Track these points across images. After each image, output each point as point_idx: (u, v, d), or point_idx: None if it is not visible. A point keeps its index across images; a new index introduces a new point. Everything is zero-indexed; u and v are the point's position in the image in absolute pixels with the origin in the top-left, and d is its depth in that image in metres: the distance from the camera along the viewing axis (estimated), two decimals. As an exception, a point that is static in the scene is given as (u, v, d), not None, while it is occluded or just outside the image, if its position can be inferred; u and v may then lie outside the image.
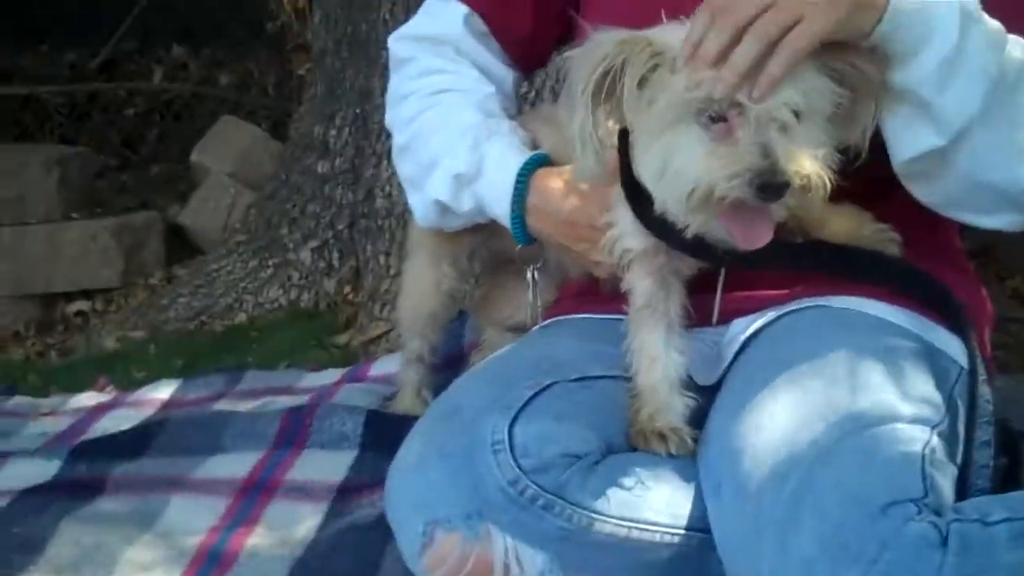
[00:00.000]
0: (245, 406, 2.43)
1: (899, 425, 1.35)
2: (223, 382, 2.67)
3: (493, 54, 1.91)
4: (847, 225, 1.61)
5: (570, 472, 1.44)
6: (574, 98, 1.40)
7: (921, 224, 1.63)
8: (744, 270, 1.62)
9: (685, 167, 1.36)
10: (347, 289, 3.25)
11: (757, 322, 1.62)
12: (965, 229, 1.74)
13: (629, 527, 1.45)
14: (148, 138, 5.59)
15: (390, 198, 2.96)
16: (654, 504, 1.47)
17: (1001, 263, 3.25)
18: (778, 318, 1.61)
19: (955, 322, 1.53)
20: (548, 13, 1.88)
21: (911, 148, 1.49)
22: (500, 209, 1.75)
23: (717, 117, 1.35)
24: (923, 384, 1.45)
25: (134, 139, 5.63)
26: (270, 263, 3.40)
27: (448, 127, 1.81)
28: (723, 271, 1.66)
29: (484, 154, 1.75)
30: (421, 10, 1.96)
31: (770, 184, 1.31)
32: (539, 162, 1.73)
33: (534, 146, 1.80)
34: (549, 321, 1.87)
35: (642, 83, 1.39)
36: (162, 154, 5.41)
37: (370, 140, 3.11)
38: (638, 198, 1.52)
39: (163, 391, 2.67)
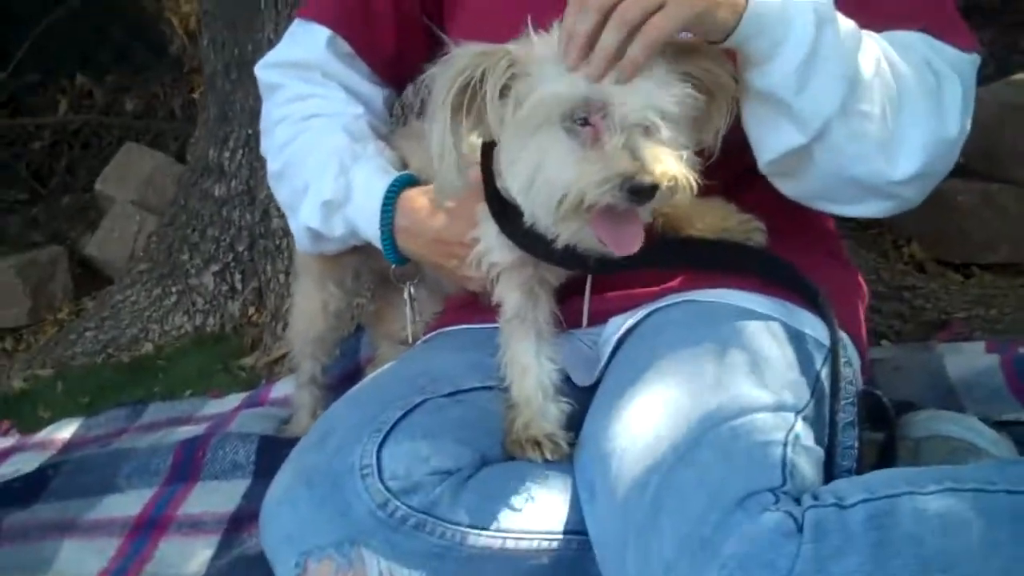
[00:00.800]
0: (145, 440, 2.40)
1: (759, 415, 1.36)
2: (125, 417, 2.64)
3: (360, 74, 1.90)
4: (713, 219, 1.62)
5: (441, 489, 1.44)
6: (434, 113, 1.39)
7: (788, 211, 1.64)
8: (613, 274, 1.62)
9: (554, 175, 1.35)
10: (251, 311, 3.22)
11: (628, 321, 1.63)
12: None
13: (504, 537, 1.44)
14: (56, 170, 5.51)
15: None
16: (530, 512, 1.47)
17: (897, 231, 3.29)
18: (648, 315, 1.62)
19: (814, 304, 1.54)
20: (412, 31, 1.88)
21: (775, 147, 1.51)
22: (371, 232, 1.75)
23: (583, 121, 1.35)
24: (787, 370, 1.47)
25: (43, 172, 5.54)
26: (173, 290, 3.35)
27: (316, 153, 1.81)
28: (590, 275, 1.67)
29: (351, 179, 1.75)
30: (285, 36, 1.95)
31: (640, 187, 1.30)
32: (405, 183, 1.73)
33: (403, 165, 1.81)
34: (431, 335, 1.86)
35: (504, 93, 1.38)
36: (72, 185, 5.34)
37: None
38: (503, 212, 1.52)
39: (65, 431, 2.63)
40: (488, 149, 1.51)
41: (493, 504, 1.46)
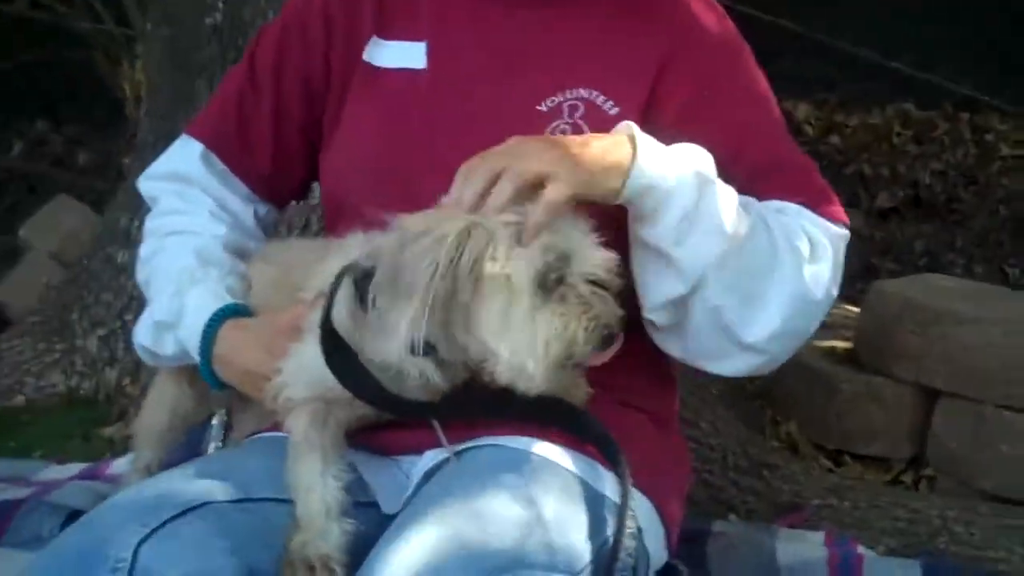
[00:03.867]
0: (-32, 495, 2.34)
1: (527, 572, 1.36)
2: (-41, 468, 2.58)
3: (232, 191, 1.91)
4: None
5: None
6: (402, 297, 1.40)
7: (640, 367, 1.71)
8: (431, 419, 1.61)
9: (553, 332, 1.42)
10: (126, 381, 3.19)
11: (439, 456, 1.62)
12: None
13: None
14: (-3, 210, 5.51)
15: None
16: None
17: (778, 408, 3.32)
18: (458, 453, 1.60)
19: (613, 463, 1.55)
20: (288, 153, 1.90)
21: (658, 295, 1.60)
22: (196, 356, 1.76)
23: (553, 283, 1.42)
24: (574, 530, 1.47)
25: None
26: (57, 347, 3.33)
27: (163, 273, 1.84)
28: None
29: (184, 302, 1.77)
30: (168, 150, 1.98)
31: (610, 336, 1.44)
32: (231, 312, 1.74)
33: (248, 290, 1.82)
34: (251, 438, 1.84)
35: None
36: (8, 227, 5.32)
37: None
38: (336, 349, 1.53)
39: None
40: (338, 280, 1.54)
41: None
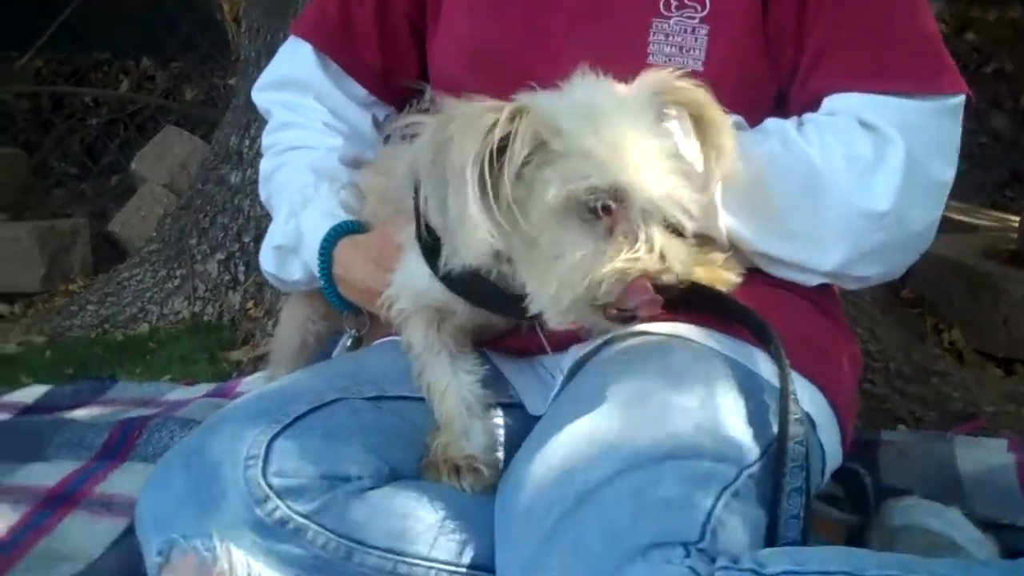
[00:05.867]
0: (99, 416, 2.28)
1: (694, 462, 1.22)
2: (90, 390, 2.53)
3: (346, 93, 1.80)
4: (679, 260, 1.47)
5: (330, 496, 1.30)
6: (451, 174, 1.22)
7: None
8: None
9: (577, 268, 1.23)
10: (250, 304, 3.11)
11: (582, 351, 1.47)
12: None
13: (396, 561, 1.31)
14: (110, 148, 5.51)
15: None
16: (432, 538, 1.32)
17: (939, 314, 3.08)
18: (601, 345, 1.45)
19: (771, 353, 1.36)
20: (399, 47, 1.78)
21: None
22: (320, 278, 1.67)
23: (603, 209, 1.23)
24: (740, 419, 1.30)
25: (97, 148, 5.54)
26: (177, 274, 3.26)
27: (280, 193, 1.76)
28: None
29: (300, 224, 1.68)
30: (280, 51, 1.88)
31: (668, 287, 1.23)
32: (344, 230, 1.63)
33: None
34: (381, 340, 1.71)
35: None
36: (122, 164, 5.33)
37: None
38: (435, 253, 1.40)
39: (28, 395, 2.53)
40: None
41: (390, 522, 1.31)
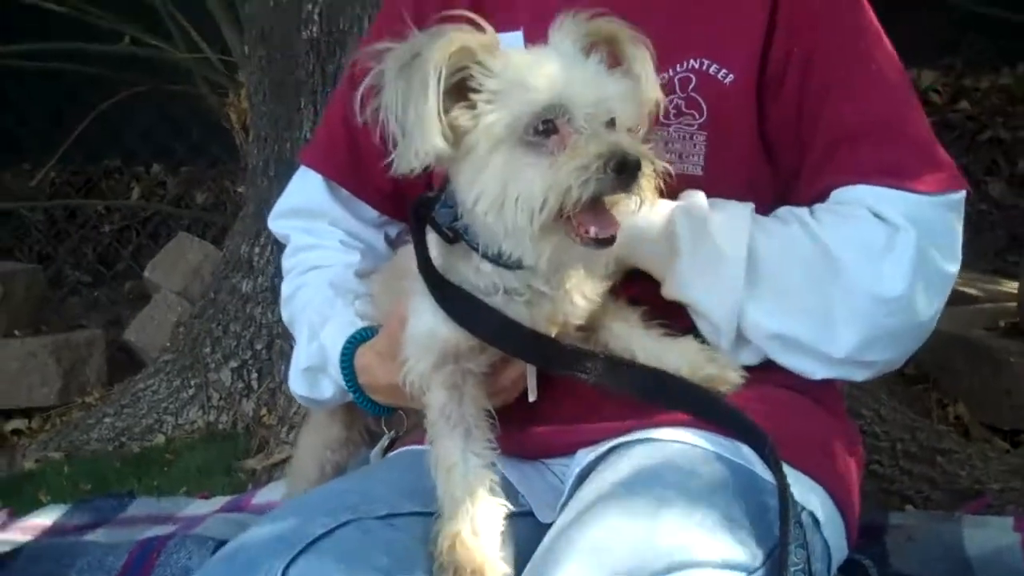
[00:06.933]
0: (116, 535, 2.32)
1: (700, 571, 1.25)
2: (110, 508, 2.57)
3: (357, 216, 1.87)
4: (689, 358, 1.52)
5: None
6: (415, 80, 1.31)
7: None
8: (543, 369, 1.53)
9: (529, 185, 1.31)
10: (263, 411, 3.16)
11: (591, 455, 1.52)
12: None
13: None
14: (123, 255, 5.61)
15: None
16: None
17: (943, 388, 3.11)
18: (611, 450, 1.50)
19: (765, 457, 1.40)
20: None
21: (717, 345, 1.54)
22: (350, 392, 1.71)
23: (548, 130, 1.31)
24: (745, 524, 1.34)
25: (109, 256, 5.65)
26: (192, 383, 3.33)
27: (301, 314, 1.81)
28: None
29: (323, 344, 1.72)
30: (290, 184, 1.95)
31: (625, 161, 1.27)
32: (360, 339, 1.68)
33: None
34: (395, 452, 1.75)
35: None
36: (135, 271, 5.43)
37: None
38: (440, 285, 1.46)
39: (48, 517, 2.57)
40: (418, 214, 1.49)
41: None
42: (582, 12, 1.41)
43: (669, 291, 1.53)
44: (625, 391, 1.49)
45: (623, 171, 1.27)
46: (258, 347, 3.23)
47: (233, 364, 3.28)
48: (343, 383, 1.68)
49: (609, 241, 1.33)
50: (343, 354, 1.67)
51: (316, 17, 3.09)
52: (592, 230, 1.32)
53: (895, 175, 1.52)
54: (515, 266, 1.42)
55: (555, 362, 1.48)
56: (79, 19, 4.76)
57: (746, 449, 1.44)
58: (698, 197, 1.52)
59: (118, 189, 5.81)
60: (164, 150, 5.77)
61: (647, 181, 1.31)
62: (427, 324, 1.48)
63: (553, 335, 1.48)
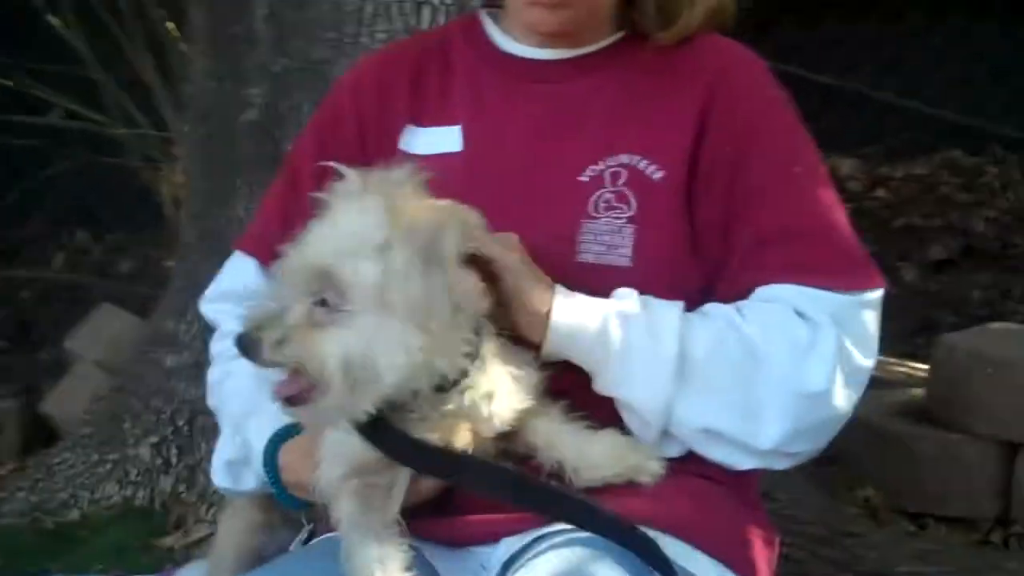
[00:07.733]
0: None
1: None
2: (20, 587, 2.52)
3: None
4: (612, 449, 1.55)
5: None
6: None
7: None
8: (447, 482, 1.55)
9: None
10: (181, 488, 3.14)
11: (516, 544, 1.54)
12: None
13: None
14: (43, 323, 5.53)
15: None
16: None
17: (852, 472, 3.20)
18: (534, 541, 1.52)
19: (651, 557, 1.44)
20: None
21: (645, 440, 1.57)
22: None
23: None
24: None
25: (29, 323, 5.57)
26: (110, 458, 3.28)
27: (226, 403, 1.81)
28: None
29: (247, 438, 1.71)
30: (222, 268, 1.95)
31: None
32: (284, 435, 1.67)
33: None
34: (316, 540, 1.76)
35: None
36: (55, 339, 5.34)
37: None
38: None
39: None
40: None
41: None
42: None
43: (601, 387, 1.56)
44: (498, 498, 1.52)
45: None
46: (179, 423, 3.20)
47: (153, 439, 3.23)
48: (266, 479, 1.67)
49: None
50: (266, 452, 1.66)
51: (257, 100, 3.13)
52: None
53: (817, 274, 1.58)
54: None
55: (437, 472, 1.51)
56: (11, 89, 4.75)
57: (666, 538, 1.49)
58: (631, 298, 1.57)
59: (40, 257, 5.74)
60: (89, 217, 5.72)
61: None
62: (338, 438, 1.51)
63: (465, 448, 1.50)
